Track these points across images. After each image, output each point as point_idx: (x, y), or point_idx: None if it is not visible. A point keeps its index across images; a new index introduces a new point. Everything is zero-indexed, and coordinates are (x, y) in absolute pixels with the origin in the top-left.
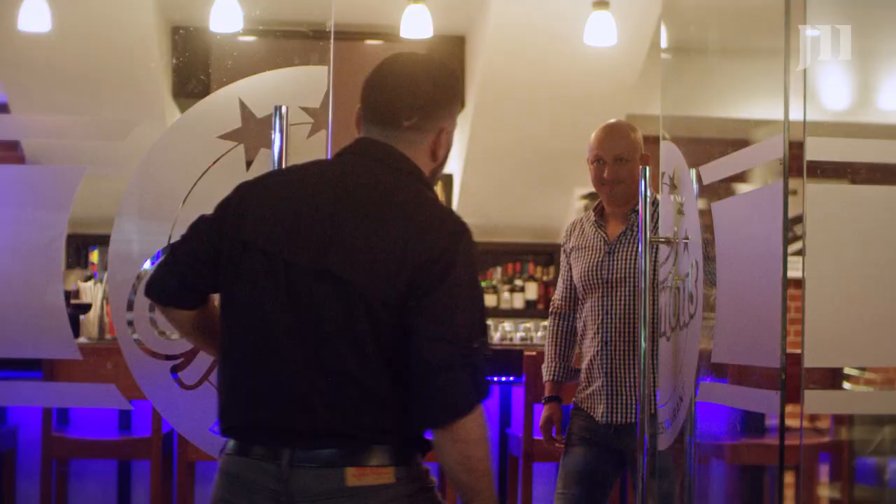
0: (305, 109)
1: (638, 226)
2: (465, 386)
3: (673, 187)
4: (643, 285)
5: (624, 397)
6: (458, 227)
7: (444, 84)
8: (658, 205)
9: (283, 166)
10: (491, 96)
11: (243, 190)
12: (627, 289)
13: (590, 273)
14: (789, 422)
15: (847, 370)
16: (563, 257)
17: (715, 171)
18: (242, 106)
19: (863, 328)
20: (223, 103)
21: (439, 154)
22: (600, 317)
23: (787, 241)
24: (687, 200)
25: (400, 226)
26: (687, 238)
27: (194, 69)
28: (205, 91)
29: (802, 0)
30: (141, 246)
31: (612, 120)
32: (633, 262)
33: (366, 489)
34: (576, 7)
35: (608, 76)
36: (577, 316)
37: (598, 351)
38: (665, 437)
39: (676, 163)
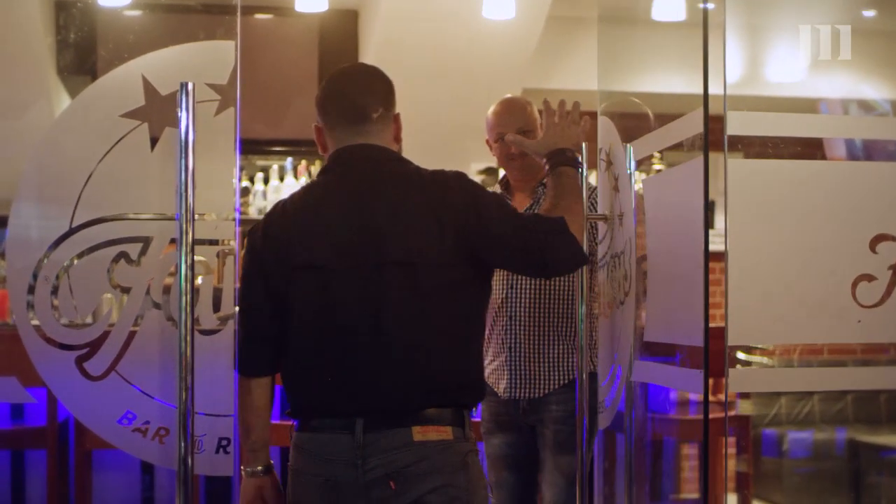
0: (212, 86)
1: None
2: (570, 243)
3: (608, 163)
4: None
5: (527, 372)
6: (455, 174)
7: (385, 79)
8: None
9: (190, 143)
10: (386, 71)
11: (267, 226)
12: None
13: None
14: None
15: None
16: None
17: (645, 146)
18: (146, 83)
19: (787, 305)
20: (125, 80)
21: (399, 136)
22: (505, 290)
23: (709, 218)
24: (621, 176)
25: (421, 200)
26: (622, 214)
27: (82, 46)
28: (93, 69)
29: None
30: (41, 231)
31: (507, 95)
32: None
33: (429, 444)
34: None
35: (505, 49)
36: None
37: (503, 326)
38: (605, 416)
39: (612, 138)
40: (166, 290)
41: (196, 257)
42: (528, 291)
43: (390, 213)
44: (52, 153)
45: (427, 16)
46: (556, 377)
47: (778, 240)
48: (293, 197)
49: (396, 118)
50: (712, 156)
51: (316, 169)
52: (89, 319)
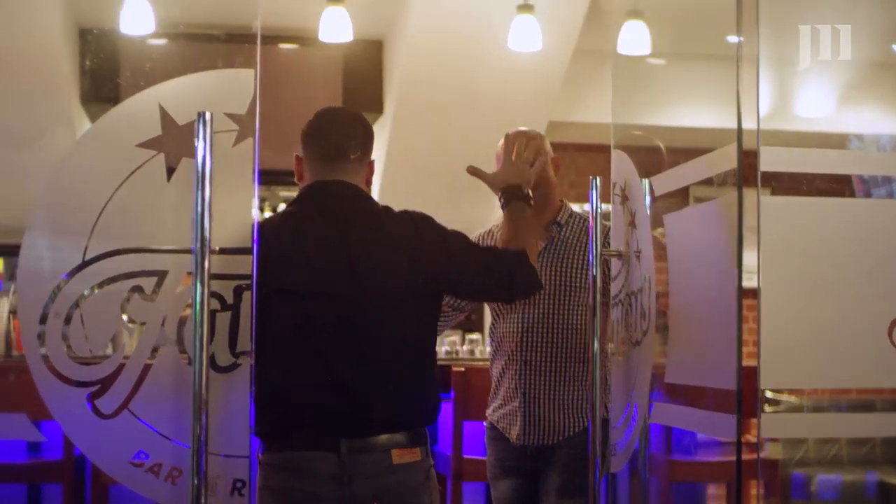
0: (231, 116)
1: (561, 238)
2: (531, 272)
3: (624, 198)
4: (594, 301)
5: (542, 419)
6: (421, 215)
7: (367, 127)
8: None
9: (207, 174)
10: (410, 102)
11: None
12: (550, 303)
13: None
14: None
15: None
16: None
17: (667, 181)
18: (163, 112)
19: (821, 347)
20: (141, 109)
21: (370, 180)
22: (520, 333)
23: (742, 256)
24: (639, 212)
25: (392, 236)
26: (639, 251)
27: (105, 73)
28: (117, 96)
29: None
30: (53, 263)
31: (520, 128)
32: (557, 277)
33: (405, 465)
34: (499, 11)
35: (531, 82)
36: (490, 333)
37: (516, 369)
38: (618, 460)
39: (627, 173)
40: (181, 325)
41: (212, 292)
42: (544, 335)
43: (364, 246)
44: (66, 183)
45: (452, 47)
46: (572, 424)
47: (811, 279)
48: (269, 222)
49: (371, 164)
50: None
51: None
52: (106, 352)
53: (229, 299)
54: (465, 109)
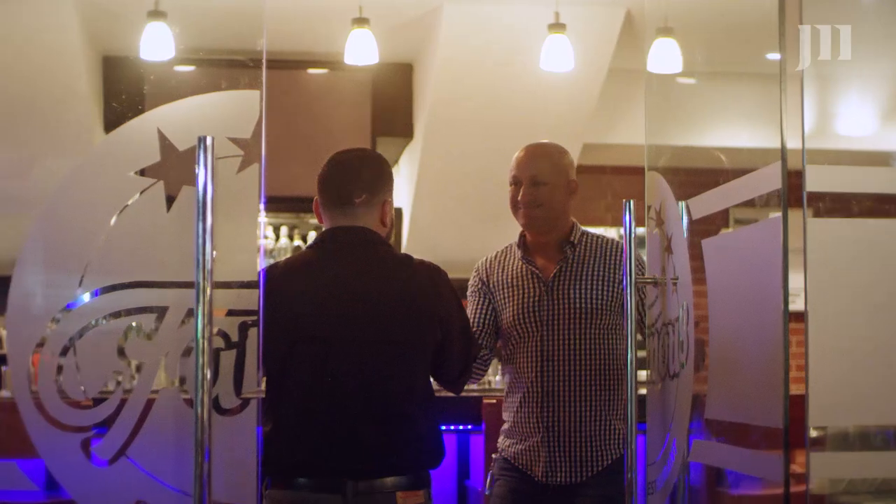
0: (234, 140)
1: (576, 258)
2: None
3: (660, 222)
4: (627, 330)
5: (568, 454)
6: (430, 272)
7: (379, 167)
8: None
9: (209, 204)
10: (440, 126)
11: (270, 291)
12: (570, 329)
13: (526, 314)
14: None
15: None
16: (477, 298)
17: (706, 204)
18: (162, 137)
19: (874, 380)
20: (139, 134)
21: (387, 221)
22: (540, 363)
23: (788, 286)
24: (675, 237)
25: (396, 287)
26: (676, 278)
27: (129, 101)
28: None
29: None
30: (45, 300)
31: (541, 142)
32: (576, 300)
33: None
34: (530, 31)
35: (564, 103)
36: (504, 363)
37: (538, 403)
38: (657, 498)
39: (663, 195)
40: (183, 365)
41: (216, 329)
42: (566, 363)
43: (373, 294)
44: (59, 215)
45: (483, 69)
46: (601, 457)
47: (862, 304)
48: (285, 266)
49: (384, 204)
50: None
51: None
52: (103, 394)
53: (234, 337)
54: (496, 133)
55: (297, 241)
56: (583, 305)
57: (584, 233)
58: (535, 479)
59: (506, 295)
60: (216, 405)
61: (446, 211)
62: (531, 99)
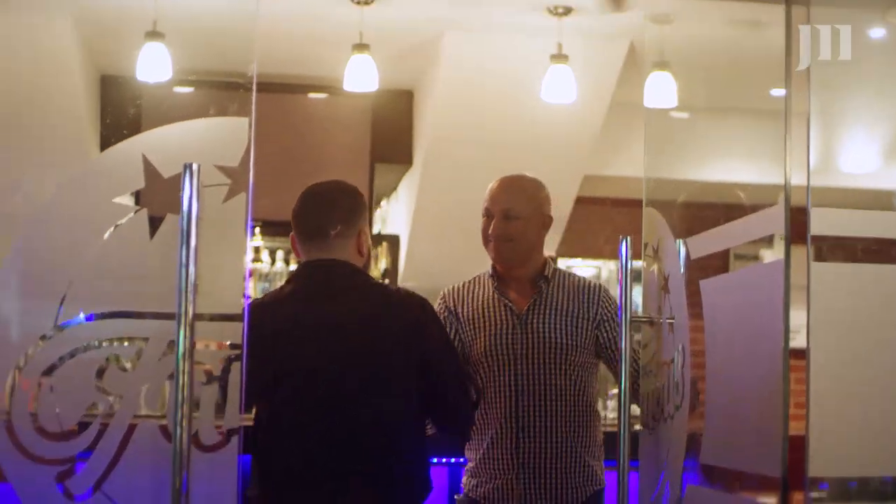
0: (221, 168)
1: (548, 293)
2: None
3: (657, 259)
4: (621, 369)
5: (544, 489)
6: (421, 301)
7: (353, 199)
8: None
9: (193, 233)
10: (440, 154)
11: (254, 326)
12: (542, 364)
13: (499, 346)
14: None
15: None
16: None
17: (704, 244)
18: (146, 163)
19: (878, 431)
20: (123, 159)
21: (363, 251)
22: (514, 398)
23: (788, 330)
24: (673, 276)
25: (374, 314)
26: (672, 319)
27: (126, 122)
28: None
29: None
30: (22, 328)
31: (516, 174)
32: (551, 334)
33: None
34: (532, 61)
35: (565, 134)
36: None
37: (512, 436)
38: None
39: (660, 232)
40: (163, 398)
41: (197, 362)
42: (539, 398)
43: (351, 329)
44: (37, 241)
45: (484, 98)
46: (576, 495)
47: (866, 356)
48: (272, 301)
49: (360, 233)
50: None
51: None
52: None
53: (216, 371)
54: (496, 162)
55: (293, 265)
56: (557, 340)
57: (556, 269)
58: None
59: (477, 326)
60: (196, 440)
61: (444, 239)
62: (532, 129)
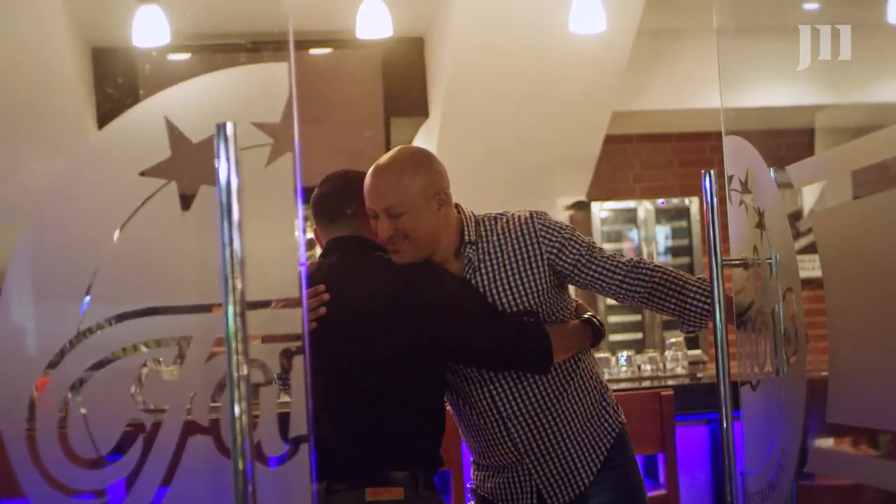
0: (260, 126)
1: (480, 257)
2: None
3: (746, 193)
4: (716, 319)
5: (558, 472)
6: (416, 285)
7: (363, 180)
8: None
9: (234, 206)
10: (458, 102)
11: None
12: None
13: None
14: None
15: None
16: None
17: (810, 169)
18: (170, 127)
19: None
20: (144, 125)
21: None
22: (484, 386)
23: None
24: (771, 210)
25: (385, 290)
26: (773, 258)
27: (122, 94)
28: None
29: None
30: (40, 338)
31: (384, 159)
32: (496, 301)
33: (379, 503)
34: None
35: (592, 69)
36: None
37: (497, 425)
38: None
39: (749, 162)
40: (214, 408)
41: (252, 359)
42: (506, 377)
43: (357, 297)
44: (48, 234)
45: (502, 37)
46: (594, 460)
47: None
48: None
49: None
50: None
51: None
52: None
53: (275, 368)
54: (518, 108)
55: (310, 235)
56: (512, 302)
57: (478, 222)
58: None
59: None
60: (258, 454)
61: (467, 194)
62: (556, 68)
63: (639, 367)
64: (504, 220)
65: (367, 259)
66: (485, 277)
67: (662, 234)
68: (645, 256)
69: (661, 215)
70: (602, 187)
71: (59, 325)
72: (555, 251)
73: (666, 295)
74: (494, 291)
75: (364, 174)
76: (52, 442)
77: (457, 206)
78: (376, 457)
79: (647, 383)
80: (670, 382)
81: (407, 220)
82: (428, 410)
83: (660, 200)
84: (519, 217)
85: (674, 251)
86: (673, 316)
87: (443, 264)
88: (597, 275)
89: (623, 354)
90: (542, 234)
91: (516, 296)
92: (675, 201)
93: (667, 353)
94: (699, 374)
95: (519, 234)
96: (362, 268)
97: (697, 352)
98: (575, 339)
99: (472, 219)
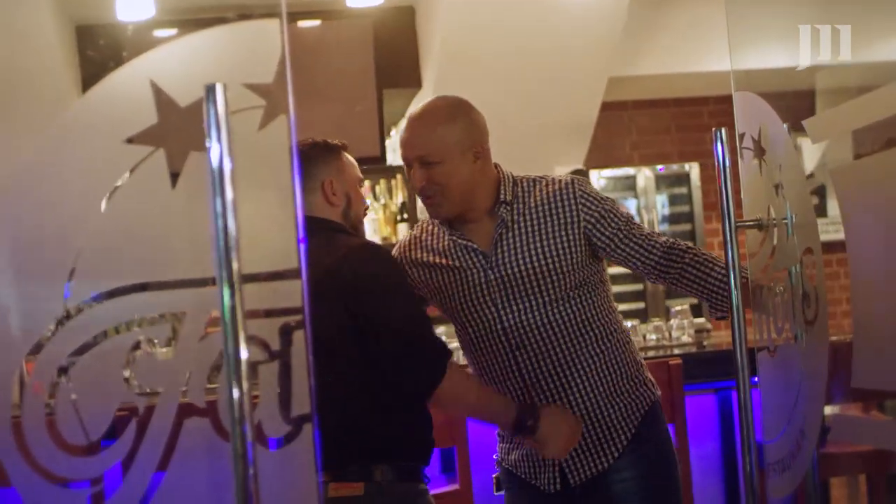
0: (252, 87)
1: (517, 217)
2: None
3: (759, 151)
4: (731, 283)
5: (584, 446)
6: (368, 262)
7: (305, 153)
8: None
9: (225, 174)
10: (451, 72)
11: None
12: (529, 303)
13: (474, 297)
14: None
15: None
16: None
17: (827, 124)
18: (157, 91)
19: None
20: (129, 90)
21: (333, 200)
22: (510, 354)
23: None
24: (787, 168)
25: (331, 280)
26: (790, 218)
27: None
28: None
29: None
30: (23, 320)
31: (421, 107)
32: (531, 265)
33: (340, 499)
34: None
35: (587, 34)
36: (464, 348)
37: (523, 397)
38: (780, 483)
39: (763, 119)
40: (211, 387)
41: (250, 336)
42: (541, 346)
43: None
44: (28, 208)
45: (496, 5)
46: (623, 432)
47: None
48: None
49: (323, 183)
50: None
51: (380, 189)
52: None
53: (274, 344)
54: (513, 75)
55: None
56: (539, 268)
57: (515, 182)
58: (542, 490)
59: (440, 279)
60: (259, 435)
61: None
62: (551, 33)
63: (644, 337)
64: (543, 182)
65: (321, 241)
66: (516, 239)
67: (660, 203)
68: (646, 224)
69: (661, 182)
70: (600, 155)
71: (42, 305)
72: (592, 221)
73: (697, 279)
74: (524, 253)
75: (311, 143)
76: (40, 429)
77: (496, 165)
78: (338, 450)
79: (652, 353)
80: (676, 351)
81: (441, 171)
82: (383, 399)
83: (659, 167)
84: (560, 181)
85: (674, 218)
86: (703, 300)
87: (476, 222)
88: (632, 251)
89: (628, 324)
90: (582, 201)
91: (545, 260)
92: (674, 167)
93: (672, 321)
94: (705, 343)
95: (557, 198)
96: (321, 252)
97: (702, 320)
98: (491, 402)
99: (510, 179)
